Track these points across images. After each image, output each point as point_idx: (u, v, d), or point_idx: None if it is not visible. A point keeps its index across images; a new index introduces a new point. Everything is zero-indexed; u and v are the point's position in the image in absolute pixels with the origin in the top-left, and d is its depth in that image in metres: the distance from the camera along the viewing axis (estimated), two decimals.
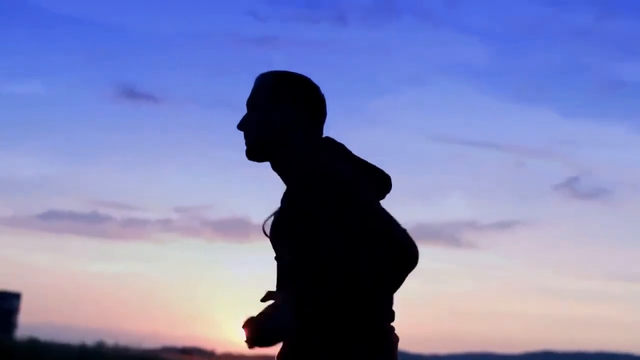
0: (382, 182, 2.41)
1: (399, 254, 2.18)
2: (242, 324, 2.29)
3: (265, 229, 2.44)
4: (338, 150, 2.40)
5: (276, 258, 2.42)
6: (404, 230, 2.23)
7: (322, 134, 2.48)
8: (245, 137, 2.49)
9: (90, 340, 24.42)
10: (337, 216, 2.24)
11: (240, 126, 2.50)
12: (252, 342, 2.28)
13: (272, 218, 2.42)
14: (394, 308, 2.35)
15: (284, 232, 2.34)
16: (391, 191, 2.44)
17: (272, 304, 2.27)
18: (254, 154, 2.48)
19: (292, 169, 2.40)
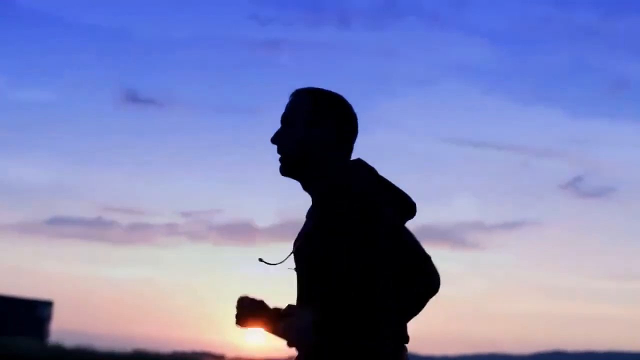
0: (406, 207, 2.45)
1: (423, 281, 2.28)
2: (236, 301, 2.41)
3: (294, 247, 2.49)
4: (368, 172, 2.44)
5: (297, 270, 2.46)
6: (429, 257, 2.32)
7: (352, 150, 2.53)
8: (280, 152, 2.51)
9: (99, 346, 24.42)
10: (364, 236, 2.29)
11: (274, 140, 2.52)
12: (240, 321, 2.40)
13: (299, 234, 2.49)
14: None
15: (312, 246, 2.38)
16: (414, 215, 2.47)
17: (295, 312, 2.33)
18: (288, 171, 2.51)
19: (324, 187, 2.44)
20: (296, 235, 2.52)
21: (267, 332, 2.39)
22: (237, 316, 2.41)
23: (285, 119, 2.53)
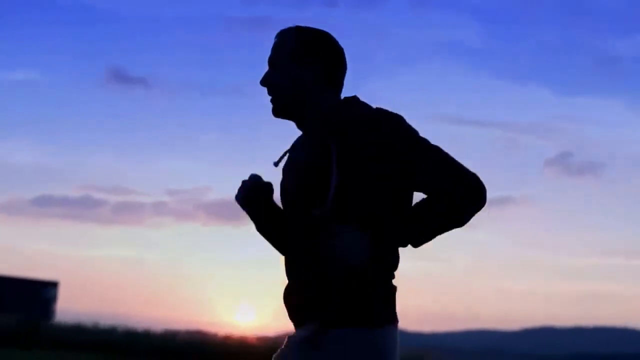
0: None
1: (475, 189, 2.33)
2: (247, 178, 2.52)
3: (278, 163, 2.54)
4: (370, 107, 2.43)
5: (292, 201, 2.47)
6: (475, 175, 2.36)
7: (342, 86, 2.52)
8: (271, 93, 2.51)
9: (86, 325, 24.43)
10: (404, 155, 2.32)
11: (263, 83, 2.52)
12: (243, 200, 2.52)
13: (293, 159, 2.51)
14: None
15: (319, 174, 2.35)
16: None
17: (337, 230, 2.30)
18: (280, 112, 2.50)
19: (320, 123, 2.42)
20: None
21: (269, 226, 2.52)
22: (241, 190, 2.52)
23: (272, 60, 2.53)
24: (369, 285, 2.31)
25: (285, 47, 2.49)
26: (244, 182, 2.53)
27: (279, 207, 2.55)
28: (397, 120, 2.34)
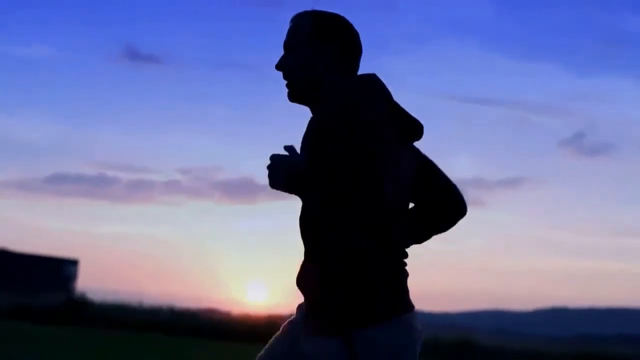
0: (412, 128, 2.46)
1: (462, 202, 2.50)
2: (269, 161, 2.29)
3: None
4: (374, 90, 2.40)
5: None
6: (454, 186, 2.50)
7: (358, 69, 2.51)
8: (286, 77, 2.50)
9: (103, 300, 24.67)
10: (358, 153, 2.24)
11: (278, 67, 2.51)
12: (275, 182, 2.26)
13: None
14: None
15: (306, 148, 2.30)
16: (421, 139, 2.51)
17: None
18: (295, 96, 2.50)
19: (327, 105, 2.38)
20: None
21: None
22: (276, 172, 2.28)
23: (287, 44, 2.52)
24: (370, 278, 2.27)
25: (301, 31, 2.48)
26: (273, 160, 2.30)
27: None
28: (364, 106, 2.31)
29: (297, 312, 2.49)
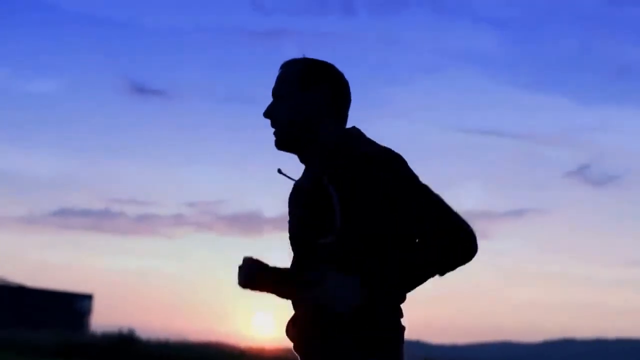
0: None
1: (467, 242, 2.27)
2: (240, 264, 2.33)
3: (285, 174, 2.49)
4: (370, 140, 2.41)
5: (298, 235, 2.43)
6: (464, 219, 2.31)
7: (347, 118, 2.47)
8: (274, 126, 2.45)
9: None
10: (405, 197, 2.27)
11: (266, 114, 2.46)
12: (245, 282, 2.31)
13: (300, 187, 2.46)
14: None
15: (330, 210, 2.30)
16: None
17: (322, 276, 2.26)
18: (284, 144, 2.45)
19: (325, 156, 2.39)
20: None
21: (275, 294, 2.36)
22: (242, 277, 2.32)
23: (276, 91, 2.46)
24: (361, 333, 2.28)
25: (292, 76, 2.44)
26: (239, 267, 2.35)
27: (283, 269, 2.42)
28: (399, 161, 2.31)
29: None
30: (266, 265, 2.33)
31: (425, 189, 2.30)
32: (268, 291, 2.35)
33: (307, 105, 2.41)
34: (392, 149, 2.34)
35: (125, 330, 23.02)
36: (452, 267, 2.28)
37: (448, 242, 2.25)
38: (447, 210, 2.28)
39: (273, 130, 2.45)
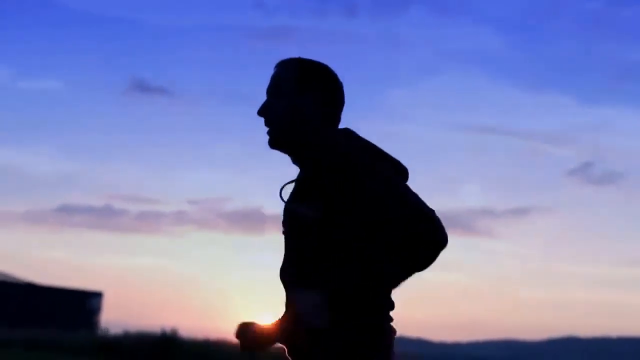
0: (400, 173, 2.41)
1: (433, 231, 2.24)
2: (236, 331, 2.40)
3: (282, 195, 2.51)
4: (359, 140, 2.43)
5: (288, 233, 2.47)
6: (433, 211, 2.28)
7: (340, 120, 2.48)
8: (268, 124, 2.46)
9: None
10: (355, 197, 2.28)
11: (261, 112, 2.46)
12: (245, 348, 2.39)
13: (292, 192, 2.49)
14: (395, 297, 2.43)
15: (312, 216, 2.35)
16: (407, 180, 2.44)
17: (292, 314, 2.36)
18: (277, 143, 2.46)
19: (316, 158, 2.40)
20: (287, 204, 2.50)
21: (275, 345, 2.41)
22: (241, 345, 2.39)
23: (270, 90, 2.47)
24: (349, 338, 2.30)
25: (286, 77, 2.45)
26: (235, 335, 2.42)
27: (274, 326, 2.41)
28: (364, 157, 2.32)
29: None
30: (259, 326, 2.38)
31: (399, 189, 2.29)
32: (271, 345, 2.42)
33: (301, 106, 2.42)
34: (376, 146, 2.39)
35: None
36: (422, 266, 2.27)
37: (410, 242, 2.22)
38: (409, 204, 2.26)
39: (267, 129, 2.47)
